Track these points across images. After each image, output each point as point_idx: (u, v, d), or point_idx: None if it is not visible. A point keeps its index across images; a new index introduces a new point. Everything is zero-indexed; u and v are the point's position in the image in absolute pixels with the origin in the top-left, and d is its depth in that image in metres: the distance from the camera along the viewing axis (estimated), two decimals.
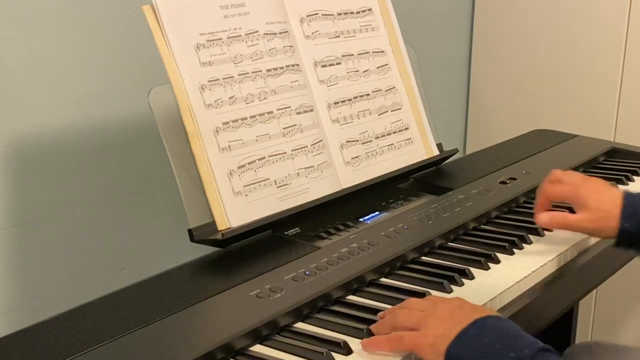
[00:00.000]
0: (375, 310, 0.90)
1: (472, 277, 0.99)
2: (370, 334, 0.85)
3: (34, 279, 1.32)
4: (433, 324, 0.80)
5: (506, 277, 1.00)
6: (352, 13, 1.34)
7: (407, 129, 1.37)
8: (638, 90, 1.96)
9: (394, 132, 1.35)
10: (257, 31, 1.17)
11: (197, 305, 0.90)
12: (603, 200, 1.05)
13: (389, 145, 1.33)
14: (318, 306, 0.92)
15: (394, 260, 1.03)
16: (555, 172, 1.13)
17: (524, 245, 1.11)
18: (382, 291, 0.96)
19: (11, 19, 1.23)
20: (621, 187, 1.38)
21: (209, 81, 1.09)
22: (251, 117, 1.13)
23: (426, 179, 1.38)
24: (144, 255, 1.48)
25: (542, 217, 1.09)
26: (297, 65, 1.21)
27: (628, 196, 1.05)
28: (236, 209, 1.07)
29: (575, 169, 1.46)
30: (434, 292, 0.94)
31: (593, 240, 1.15)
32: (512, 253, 1.08)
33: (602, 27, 1.99)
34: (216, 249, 1.06)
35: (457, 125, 2.33)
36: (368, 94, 1.32)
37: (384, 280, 1.00)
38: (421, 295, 0.93)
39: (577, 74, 2.06)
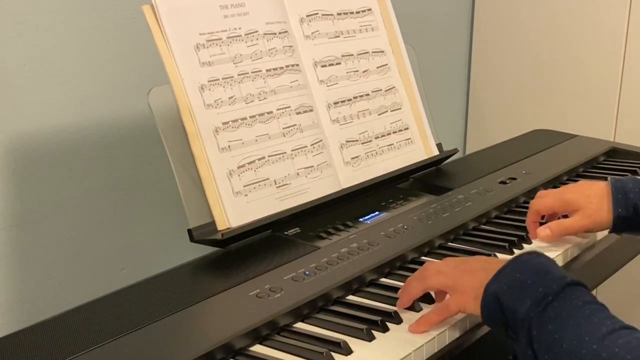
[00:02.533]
0: (375, 310, 0.90)
1: None
2: (370, 336, 0.84)
3: (34, 279, 1.32)
4: (469, 280, 0.85)
5: None
6: (352, 13, 1.34)
7: (407, 129, 1.37)
8: (638, 90, 1.96)
9: (394, 132, 1.35)
10: (256, 31, 1.17)
11: (197, 305, 0.90)
12: (590, 195, 1.08)
13: (388, 145, 1.33)
14: (318, 306, 0.92)
15: (394, 260, 1.03)
16: (540, 192, 1.16)
17: (523, 245, 1.11)
18: (382, 291, 0.96)
19: (11, 19, 1.23)
20: None
21: (208, 81, 1.09)
22: (251, 117, 1.13)
23: (426, 179, 1.38)
24: (144, 255, 1.48)
25: (541, 233, 1.09)
26: (297, 65, 1.21)
27: (615, 182, 1.08)
28: (236, 209, 1.07)
29: (575, 169, 1.46)
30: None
31: (592, 240, 1.15)
32: (512, 253, 1.08)
33: (602, 27, 1.99)
34: (216, 249, 1.06)
35: (457, 125, 2.33)
36: (368, 94, 1.32)
37: (383, 280, 1.00)
38: (421, 295, 0.93)
39: (577, 74, 2.06)
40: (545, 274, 0.79)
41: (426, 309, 0.91)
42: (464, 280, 0.86)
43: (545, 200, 1.12)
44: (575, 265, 1.10)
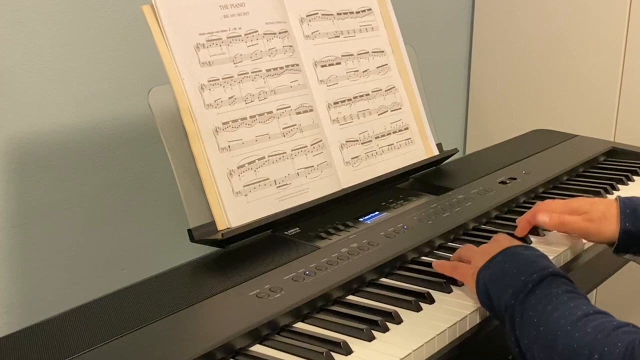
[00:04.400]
0: (375, 310, 0.90)
1: None
2: (370, 336, 0.84)
3: (34, 279, 1.32)
4: (478, 258, 0.92)
5: None
6: (352, 13, 1.34)
7: (407, 128, 1.37)
8: (638, 90, 1.96)
9: (394, 132, 1.35)
10: (256, 31, 1.17)
11: (197, 305, 0.90)
12: (598, 203, 1.06)
13: (388, 145, 1.33)
14: (318, 306, 0.92)
15: (393, 260, 1.03)
16: (548, 200, 1.14)
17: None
18: (382, 291, 0.96)
19: (11, 19, 1.23)
20: (621, 187, 1.38)
21: (208, 81, 1.09)
22: (251, 117, 1.13)
23: (426, 179, 1.38)
24: (144, 255, 1.48)
25: (539, 217, 1.07)
26: (297, 65, 1.21)
27: (624, 199, 1.06)
28: (236, 209, 1.07)
29: (575, 169, 1.46)
30: (434, 292, 0.94)
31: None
32: None
33: (602, 27, 1.99)
34: (216, 248, 1.06)
35: (457, 125, 2.33)
36: (368, 94, 1.32)
37: (383, 280, 1.00)
38: (421, 295, 0.93)
39: (577, 74, 2.06)
40: (529, 264, 0.85)
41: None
42: (476, 256, 0.93)
43: (552, 204, 1.09)
44: (576, 265, 1.10)
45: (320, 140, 1.22)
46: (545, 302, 0.79)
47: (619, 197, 1.07)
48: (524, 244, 0.94)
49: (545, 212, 1.07)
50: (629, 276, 1.80)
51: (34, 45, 1.27)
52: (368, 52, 1.34)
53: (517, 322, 0.81)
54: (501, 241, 0.96)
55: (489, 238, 1.12)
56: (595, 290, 1.95)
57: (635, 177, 1.43)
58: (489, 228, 1.18)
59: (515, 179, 1.36)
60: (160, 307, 0.89)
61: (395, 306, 0.91)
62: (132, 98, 1.41)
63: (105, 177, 1.40)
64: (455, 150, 1.46)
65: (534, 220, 1.09)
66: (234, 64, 1.13)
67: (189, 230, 1.03)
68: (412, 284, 0.98)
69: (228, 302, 0.91)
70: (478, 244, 1.10)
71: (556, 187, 1.38)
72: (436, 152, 1.41)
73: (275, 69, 1.18)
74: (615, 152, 1.58)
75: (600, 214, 1.04)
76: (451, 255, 1.07)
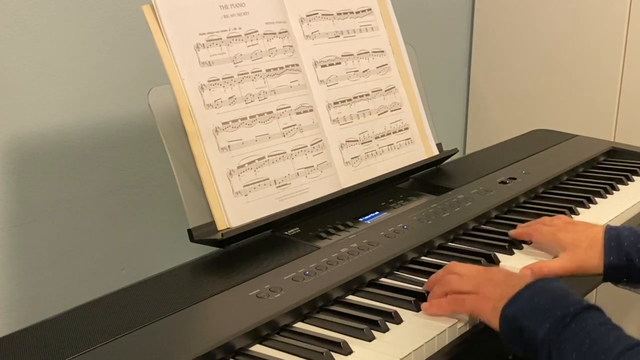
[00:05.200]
0: (375, 310, 0.90)
1: None
2: (370, 336, 0.84)
3: (34, 279, 1.32)
4: (490, 288, 0.88)
5: None
6: (352, 13, 1.34)
7: (407, 128, 1.37)
8: (638, 90, 1.96)
9: (394, 132, 1.35)
10: (256, 31, 1.17)
11: (197, 305, 0.90)
12: (581, 239, 1.04)
13: (388, 145, 1.33)
14: (318, 306, 0.92)
15: (393, 260, 1.03)
16: (544, 218, 1.14)
17: (523, 245, 1.10)
18: (381, 291, 0.96)
19: (11, 19, 1.23)
20: (621, 186, 1.38)
21: (208, 81, 1.09)
22: (251, 117, 1.13)
23: (426, 179, 1.38)
24: (144, 255, 1.48)
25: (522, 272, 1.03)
26: (297, 65, 1.21)
27: (610, 230, 1.04)
28: (236, 209, 1.08)
29: (575, 169, 1.46)
30: None
31: None
32: (511, 253, 1.08)
33: (602, 27, 1.99)
34: (216, 249, 1.06)
35: (457, 125, 2.33)
36: (368, 94, 1.32)
37: (383, 280, 1.00)
38: (421, 295, 0.93)
39: (577, 74, 2.06)
40: (562, 299, 0.82)
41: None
42: (486, 287, 0.88)
43: (543, 229, 1.09)
44: None
45: (320, 140, 1.22)
46: (583, 335, 0.77)
47: (607, 227, 1.05)
48: (547, 278, 0.89)
49: (527, 268, 1.03)
50: None
51: (34, 45, 1.27)
52: (368, 52, 1.34)
53: (554, 356, 0.79)
54: (500, 269, 0.96)
55: (489, 238, 1.12)
56: (595, 290, 1.95)
57: (635, 177, 1.43)
58: (489, 228, 1.18)
59: (515, 179, 1.36)
60: (160, 307, 0.89)
61: (395, 306, 0.91)
62: (132, 98, 1.41)
63: (105, 177, 1.40)
64: (455, 150, 1.46)
65: (527, 238, 1.11)
66: (234, 64, 1.13)
67: (189, 230, 1.03)
68: (412, 284, 0.98)
69: (228, 302, 0.91)
70: (478, 243, 1.11)
71: (556, 187, 1.38)
72: (436, 152, 1.41)
73: (275, 69, 1.18)
74: (615, 152, 1.58)
75: (582, 252, 1.03)
76: (451, 254, 1.07)
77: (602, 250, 1.02)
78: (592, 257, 1.03)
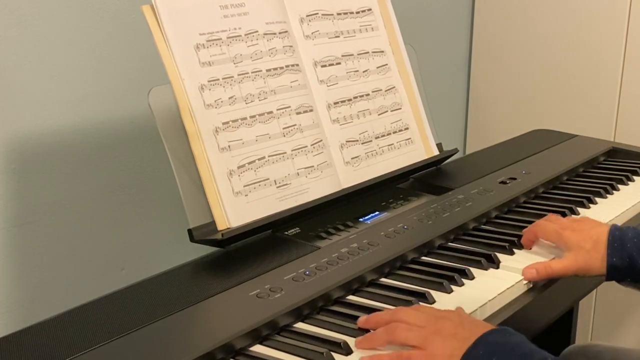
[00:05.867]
0: (375, 310, 0.89)
1: (472, 277, 0.99)
2: (367, 341, 0.84)
3: (34, 279, 1.32)
4: (439, 344, 0.79)
5: (506, 277, 1.00)
6: (352, 13, 1.34)
7: (407, 128, 1.37)
8: (638, 90, 1.96)
9: (394, 132, 1.35)
10: (256, 31, 1.17)
11: (197, 305, 0.90)
12: (585, 240, 1.04)
13: (388, 145, 1.33)
14: (318, 306, 0.92)
15: (394, 260, 1.03)
16: (551, 215, 1.13)
17: (523, 245, 1.10)
18: (382, 291, 0.96)
19: (11, 19, 1.23)
20: (621, 186, 1.38)
21: (208, 81, 1.09)
22: (251, 117, 1.13)
23: (426, 179, 1.38)
24: (144, 255, 1.48)
25: (526, 273, 1.01)
26: (297, 65, 1.21)
27: (615, 230, 1.04)
28: (236, 209, 1.07)
29: (575, 169, 1.46)
30: (433, 292, 0.94)
31: None
32: (512, 253, 1.08)
33: (602, 27, 1.99)
34: (216, 249, 1.06)
35: (457, 125, 2.33)
36: (368, 94, 1.32)
37: (383, 280, 1.00)
38: (421, 295, 0.93)
39: (577, 74, 2.06)
40: (524, 357, 0.76)
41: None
42: (434, 344, 0.79)
43: (548, 226, 1.08)
44: None
45: (321, 140, 1.22)
46: None
47: (612, 227, 1.05)
48: (492, 328, 0.80)
49: (532, 267, 1.01)
50: None
51: (34, 45, 1.27)
52: (368, 52, 1.34)
53: None
54: (451, 317, 0.83)
55: (489, 238, 1.12)
56: (595, 290, 1.95)
57: (635, 177, 1.43)
58: (489, 228, 1.18)
59: (515, 179, 1.36)
60: (160, 307, 0.89)
61: (395, 306, 0.91)
62: (132, 98, 1.41)
63: (105, 177, 1.40)
64: (455, 150, 1.46)
65: (533, 237, 1.09)
66: (234, 64, 1.13)
67: (189, 230, 1.03)
68: (412, 284, 0.98)
69: (228, 302, 0.91)
70: (478, 243, 1.11)
71: (556, 187, 1.38)
72: (436, 152, 1.41)
73: (275, 69, 1.18)
74: (615, 152, 1.58)
75: (585, 253, 1.02)
76: (451, 254, 1.07)
77: (606, 252, 1.02)
78: (595, 259, 1.02)
